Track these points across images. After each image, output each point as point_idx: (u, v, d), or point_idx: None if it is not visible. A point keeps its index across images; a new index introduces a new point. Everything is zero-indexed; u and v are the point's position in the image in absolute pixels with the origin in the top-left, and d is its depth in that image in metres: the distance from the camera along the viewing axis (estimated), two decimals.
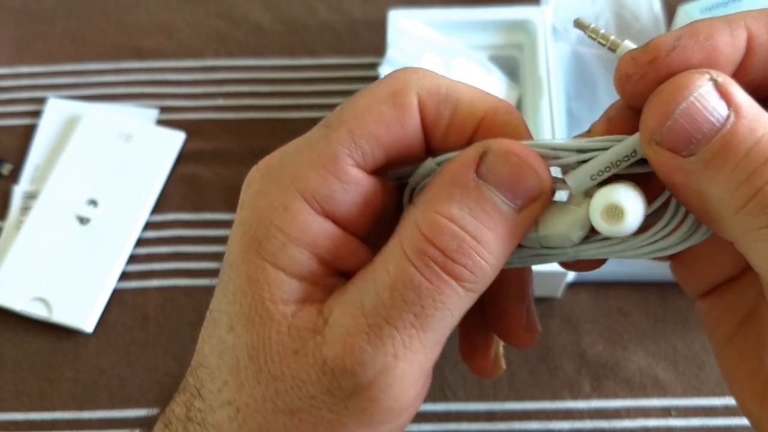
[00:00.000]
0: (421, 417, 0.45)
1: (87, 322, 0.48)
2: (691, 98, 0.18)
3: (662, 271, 0.48)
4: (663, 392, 0.45)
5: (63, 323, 0.48)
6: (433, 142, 0.21)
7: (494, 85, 0.51)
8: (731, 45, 0.19)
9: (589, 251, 0.21)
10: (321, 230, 0.20)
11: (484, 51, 0.52)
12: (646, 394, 0.45)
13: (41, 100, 0.57)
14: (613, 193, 0.19)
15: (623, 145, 0.20)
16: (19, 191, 0.53)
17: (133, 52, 0.59)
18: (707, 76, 0.18)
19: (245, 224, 0.20)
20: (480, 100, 0.21)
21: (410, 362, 0.19)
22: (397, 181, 0.22)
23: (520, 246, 0.21)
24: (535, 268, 0.44)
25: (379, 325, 0.19)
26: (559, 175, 0.21)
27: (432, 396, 0.45)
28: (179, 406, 0.23)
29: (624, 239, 0.21)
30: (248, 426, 0.20)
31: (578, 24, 0.22)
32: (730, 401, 0.44)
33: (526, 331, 0.26)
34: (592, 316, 0.47)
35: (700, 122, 0.18)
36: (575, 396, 0.45)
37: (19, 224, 0.51)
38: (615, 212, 0.19)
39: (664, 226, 0.21)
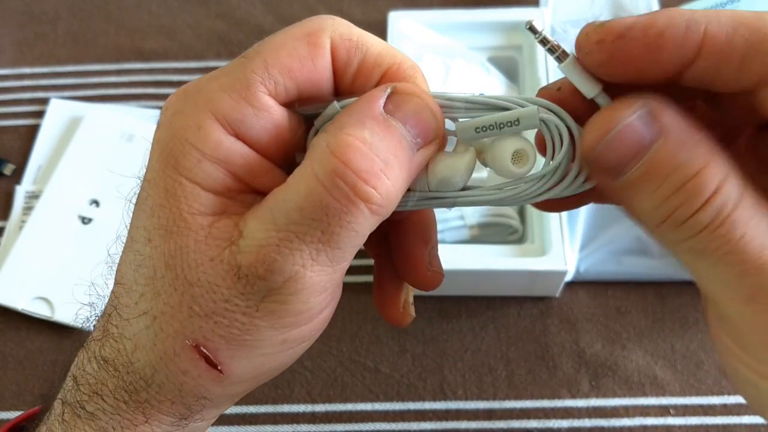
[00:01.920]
0: (420, 415, 0.45)
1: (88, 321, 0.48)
2: (620, 127, 0.20)
3: (661, 271, 0.48)
4: (661, 391, 0.45)
5: (65, 322, 0.48)
6: (340, 86, 0.23)
7: (493, 85, 0.51)
8: (680, 45, 0.20)
9: (468, 198, 0.24)
10: (234, 149, 0.21)
11: (484, 52, 0.53)
12: (644, 393, 0.45)
13: (44, 101, 0.57)
14: (521, 141, 0.23)
15: (509, 114, 0.22)
16: (21, 191, 0.53)
17: (134, 54, 0.59)
18: (639, 103, 0.20)
19: (162, 142, 0.22)
20: (387, 53, 0.23)
21: (317, 273, 0.21)
22: (305, 118, 0.24)
23: (411, 190, 0.23)
24: (536, 267, 0.44)
25: (289, 239, 0.20)
26: (451, 128, 0.23)
27: (431, 394, 0.45)
28: (96, 330, 0.24)
29: (497, 187, 0.24)
30: (165, 332, 0.22)
31: (530, 28, 0.23)
32: (727, 400, 0.45)
33: (430, 272, 0.27)
34: (591, 315, 0.48)
35: (625, 149, 0.20)
36: (574, 394, 0.45)
37: (21, 224, 0.51)
38: (522, 157, 0.23)
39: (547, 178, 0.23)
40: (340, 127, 0.21)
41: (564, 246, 0.44)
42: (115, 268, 0.24)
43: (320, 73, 0.22)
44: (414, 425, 0.45)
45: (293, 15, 0.61)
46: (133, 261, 0.22)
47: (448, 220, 0.47)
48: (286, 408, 0.45)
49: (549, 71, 0.50)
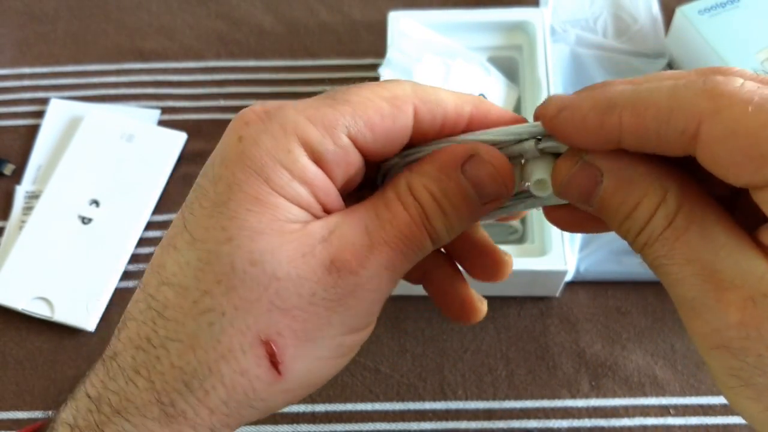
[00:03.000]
0: (420, 415, 0.45)
1: (89, 322, 0.48)
2: (568, 176, 0.24)
3: None
4: (661, 391, 0.45)
5: (65, 322, 0.48)
6: (425, 136, 0.26)
7: (493, 85, 0.51)
8: (600, 129, 0.23)
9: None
10: (317, 174, 0.24)
11: (484, 52, 0.53)
12: (644, 393, 0.45)
13: (44, 101, 0.57)
14: (545, 172, 0.26)
15: (517, 147, 0.26)
16: (21, 191, 0.53)
17: (134, 54, 0.59)
18: (580, 156, 0.24)
19: (249, 158, 0.23)
20: (462, 102, 0.26)
21: (392, 277, 0.24)
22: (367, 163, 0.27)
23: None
24: (536, 267, 0.44)
25: (380, 243, 0.24)
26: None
27: (431, 394, 0.45)
28: (121, 342, 0.24)
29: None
30: (235, 328, 0.22)
31: (538, 181, 0.26)
32: None
33: (496, 262, 0.31)
34: (591, 315, 0.48)
35: (577, 192, 0.24)
36: (574, 395, 0.45)
37: (21, 224, 0.51)
38: (542, 184, 0.26)
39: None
40: (421, 173, 0.25)
41: (564, 246, 0.44)
42: (152, 271, 0.24)
43: (397, 131, 0.25)
44: (414, 425, 0.45)
45: (293, 15, 0.61)
46: (196, 259, 0.23)
47: None
48: (285, 408, 0.45)
49: (549, 71, 0.50)
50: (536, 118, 0.25)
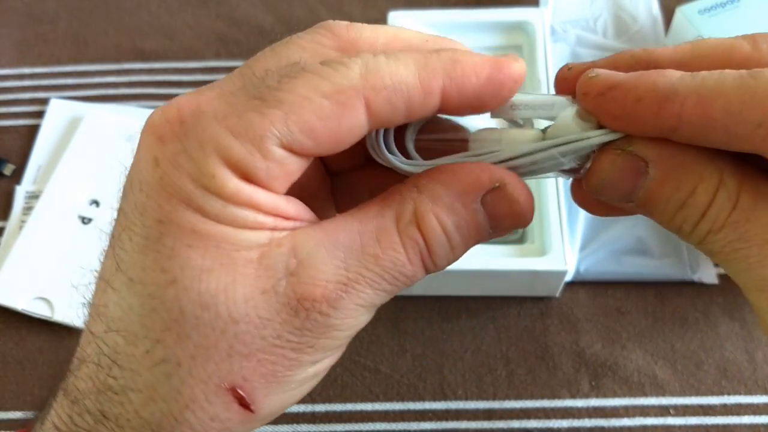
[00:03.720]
0: (420, 415, 0.45)
1: None
2: (609, 173, 0.22)
3: (661, 271, 0.48)
4: (661, 391, 0.45)
5: (65, 322, 0.48)
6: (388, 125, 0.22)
7: None
8: (657, 116, 0.21)
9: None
10: (253, 193, 0.20)
11: (484, 52, 0.53)
12: (644, 393, 0.45)
13: (44, 101, 0.57)
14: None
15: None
16: (21, 191, 0.53)
17: (134, 54, 0.60)
18: (623, 147, 0.22)
19: (171, 185, 0.20)
20: (430, 75, 0.22)
21: (368, 311, 0.22)
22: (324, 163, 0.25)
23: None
24: (536, 267, 0.44)
25: (359, 282, 0.20)
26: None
27: (431, 394, 0.45)
28: (83, 381, 0.22)
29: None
30: (195, 378, 0.20)
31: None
32: (727, 400, 0.45)
33: None
34: (591, 315, 0.48)
35: (618, 190, 0.22)
36: (574, 394, 0.45)
37: (21, 224, 0.51)
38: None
39: None
40: (434, 198, 0.21)
41: (564, 246, 0.44)
42: (94, 312, 0.22)
43: (345, 133, 0.21)
44: (414, 425, 0.45)
45: (293, 15, 0.61)
46: (139, 305, 0.20)
47: None
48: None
49: (549, 71, 0.50)
50: (578, 92, 0.23)
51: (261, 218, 0.20)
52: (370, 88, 0.20)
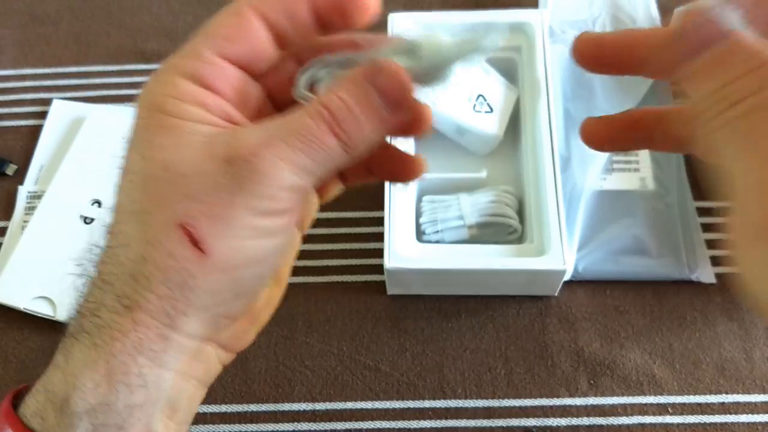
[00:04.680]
0: (420, 413, 0.45)
1: None
2: (708, 15, 0.25)
3: (659, 270, 0.48)
4: (659, 389, 0.45)
5: (67, 321, 0.48)
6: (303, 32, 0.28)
7: (493, 86, 0.51)
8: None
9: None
10: (202, 93, 0.27)
11: None
12: (642, 392, 0.45)
13: (46, 102, 0.57)
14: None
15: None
16: (23, 191, 0.53)
17: (136, 55, 0.60)
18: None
19: (146, 100, 0.28)
20: None
21: (289, 170, 0.26)
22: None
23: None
24: (534, 267, 0.44)
25: (275, 139, 0.26)
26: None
27: (431, 393, 0.46)
28: (98, 264, 0.28)
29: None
30: (155, 218, 0.26)
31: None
32: (725, 398, 0.45)
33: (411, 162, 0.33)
34: (589, 315, 0.48)
35: (705, 34, 0.25)
36: (572, 393, 0.45)
37: (23, 224, 0.52)
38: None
39: None
40: (334, 90, 0.27)
41: (562, 246, 0.44)
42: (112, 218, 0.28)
43: (255, 36, 0.28)
44: (414, 423, 0.45)
45: None
46: (128, 182, 0.27)
47: (447, 219, 0.47)
48: (287, 406, 0.46)
49: (548, 72, 0.50)
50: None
51: (208, 116, 0.27)
52: (260, 3, 0.28)
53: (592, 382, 0.46)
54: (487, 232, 0.48)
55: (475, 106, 0.49)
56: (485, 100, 0.50)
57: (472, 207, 0.48)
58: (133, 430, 0.26)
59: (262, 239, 0.27)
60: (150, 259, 0.25)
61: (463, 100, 0.49)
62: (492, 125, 0.50)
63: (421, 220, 0.48)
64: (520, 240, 0.48)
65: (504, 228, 0.48)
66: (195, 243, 0.26)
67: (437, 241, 0.47)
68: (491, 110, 0.50)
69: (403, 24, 0.52)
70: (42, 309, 0.48)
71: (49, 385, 0.27)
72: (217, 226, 0.26)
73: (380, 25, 0.59)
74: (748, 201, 0.24)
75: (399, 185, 0.47)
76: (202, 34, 0.28)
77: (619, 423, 0.44)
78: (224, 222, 0.26)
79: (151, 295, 0.25)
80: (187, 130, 0.27)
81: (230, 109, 0.28)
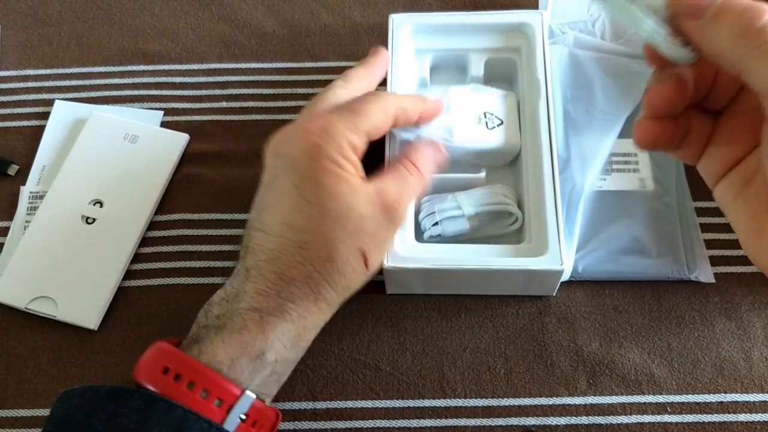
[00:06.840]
0: (420, 412, 0.45)
1: (92, 320, 0.48)
2: None
3: (658, 270, 0.49)
4: (658, 389, 0.46)
5: (68, 321, 0.48)
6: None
7: (490, 101, 0.51)
8: None
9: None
10: (355, 157, 0.41)
11: (483, 54, 0.53)
12: (641, 391, 0.45)
13: (48, 102, 0.58)
14: None
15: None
16: (25, 192, 0.53)
17: (138, 56, 0.60)
18: None
19: (324, 154, 0.40)
20: (415, 104, 0.46)
21: (413, 204, 0.46)
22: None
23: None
24: (534, 267, 0.44)
25: (406, 194, 0.43)
26: None
27: (431, 392, 0.46)
28: (286, 259, 0.40)
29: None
30: (347, 245, 0.39)
31: None
32: (723, 398, 0.45)
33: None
34: (589, 314, 0.48)
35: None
36: (572, 392, 0.46)
37: (25, 224, 0.52)
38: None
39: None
40: (416, 156, 0.45)
41: (562, 246, 0.44)
42: (283, 227, 0.39)
43: (386, 129, 0.43)
44: (414, 422, 0.45)
45: (294, 18, 0.62)
46: (307, 208, 0.39)
47: (445, 210, 0.47)
48: (288, 405, 0.46)
49: (547, 73, 0.50)
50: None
51: (357, 173, 0.41)
52: (398, 108, 0.44)
53: (591, 381, 0.46)
54: (487, 220, 0.48)
55: (486, 123, 0.50)
56: (492, 114, 0.50)
57: (469, 198, 0.48)
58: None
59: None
60: (342, 271, 0.39)
61: (473, 124, 0.49)
62: (510, 136, 0.50)
63: (420, 216, 0.48)
64: (519, 239, 0.48)
65: (504, 216, 0.48)
66: (366, 263, 0.40)
67: (438, 235, 0.47)
68: (501, 122, 0.50)
69: (403, 24, 0.52)
70: (44, 309, 0.49)
71: (246, 338, 0.38)
72: (377, 252, 0.41)
73: (380, 25, 0.59)
74: None
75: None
76: (364, 117, 0.41)
77: (618, 422, 0.45)
78: (381, 249, 0.42)
79: (333, 293, 0.40)
80: (352, 181, 0.40)
81: (360, 167, 0.41)
